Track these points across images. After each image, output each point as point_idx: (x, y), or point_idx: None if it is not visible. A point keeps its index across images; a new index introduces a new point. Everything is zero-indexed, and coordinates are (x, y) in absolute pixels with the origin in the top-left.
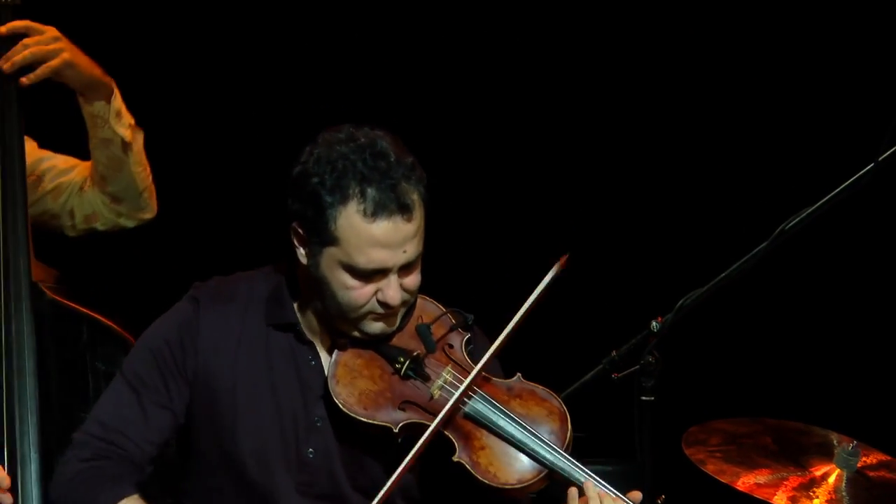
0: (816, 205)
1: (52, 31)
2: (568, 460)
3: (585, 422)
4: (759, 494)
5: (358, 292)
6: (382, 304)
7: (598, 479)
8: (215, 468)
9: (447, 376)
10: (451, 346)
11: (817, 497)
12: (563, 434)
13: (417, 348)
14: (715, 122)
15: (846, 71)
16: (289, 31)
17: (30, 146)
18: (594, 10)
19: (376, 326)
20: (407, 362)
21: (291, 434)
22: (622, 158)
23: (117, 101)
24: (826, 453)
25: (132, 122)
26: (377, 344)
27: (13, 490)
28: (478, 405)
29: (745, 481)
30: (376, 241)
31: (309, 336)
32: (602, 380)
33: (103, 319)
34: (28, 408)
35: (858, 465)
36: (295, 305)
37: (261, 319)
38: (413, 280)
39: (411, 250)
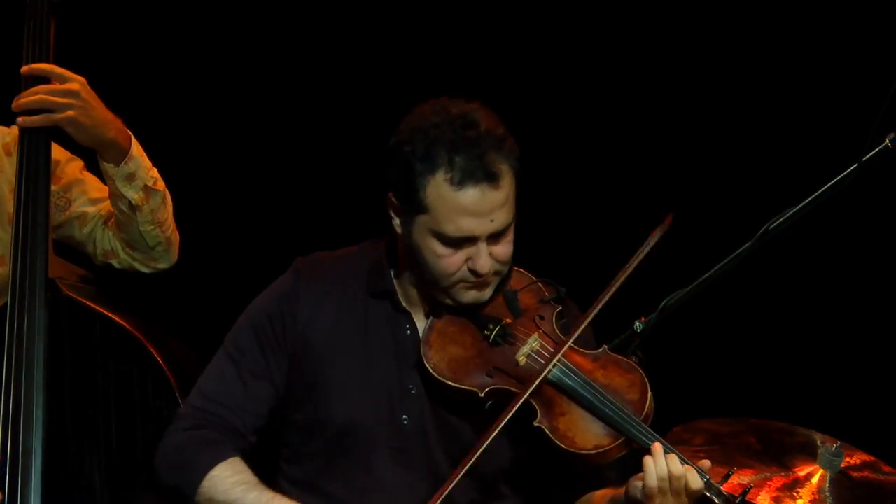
0: (800, 205)
1: (72, 85)
2: (643, 429)
3: None
4: None
5: (448, 260)
6: (473, 272)
7: (669, 445)
8: (310, 434)
9: (534, 344)
10: (541, 318)
11: (801, 497)
12: (641, 405)
13: (509, 317)
14: (698, 123)
15: (830, 71)
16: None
17: (75, 166)
18: (576, 8)
19: (469, 295)
20: (496, 329)
21: (386, 401)
22: (605, 157)
23: (131, 164)
24: (810, 453)
25: (150, 182)
26: (471, 312)
27: (14, 482)
28: (561, 373)
29: (729, 481)
30: (464, 209)
31: (406, 305)
32: None
33: (117, 319)
34: (35, 400)
35: (842, 465)
36: (393, 275)
37: (361, 289)
38: (503, 249)
39: (500, 219)
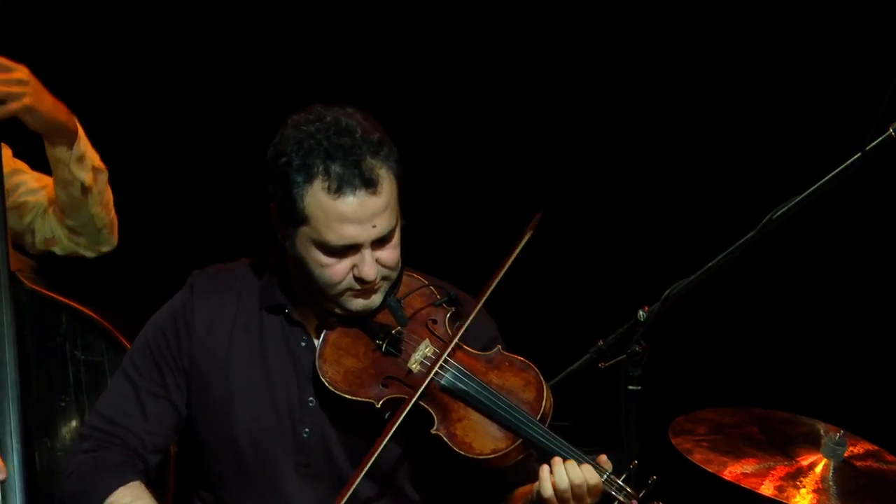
0: (804, 194)
1: (20, 73)
2: (540, 429)
3: (572, 411)
4: (745, 484)
5: (333, 269)
6: (359, 279)
7: (569, 446)
8: (215, 454)
9: (426, 350)
10: (434, 322)
11: (804, 486)
12: (537, 404)
13: (398, 325)
14: (702, 112)
15: (834, 61)
16: (278, 24)
17: (7, 153)
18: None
19: (357, 303)
20: (386, 338)
21: (287, 415)
22: (610, 148)
23: (81, 145)
24: (813, 443)
25: (96, 163)
26: (363, 321)
27: None
28: (454, 377)
29: (732, 471)
30: (344, 217)
31: (299, 318)
32: (589, 369)
33: (83, 309)
34: (9, 397)
35: (845, 454)
36: (285, 287)
37: (255, 303)
38: (389, 254)
39: (381, 225)
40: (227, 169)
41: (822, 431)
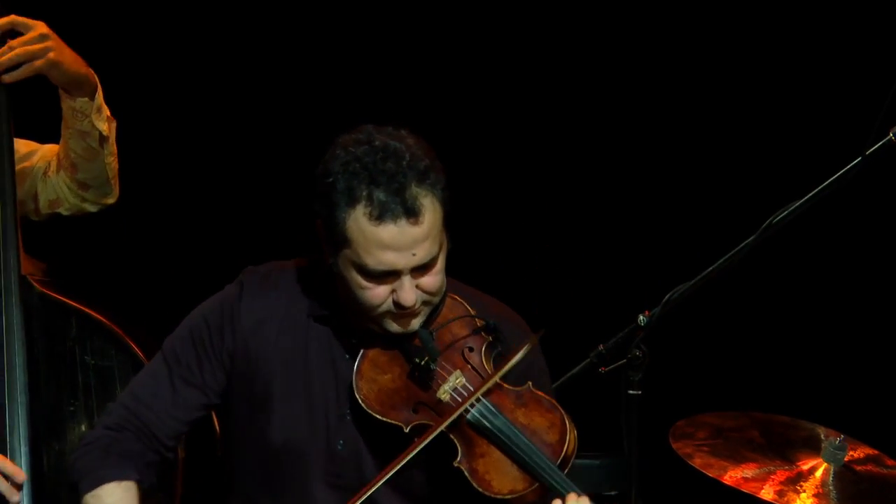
0: (804, 199)
1: (40, 28)
2: (558, 475)
3: (572, 416)
4: (746, 489)
5: (372, 292)
6: (398, 304)
7: (580, 493)
8: (250, 454)
9: (456, 381)
10: (470, 350)
11: (804, 491)
12: (559, 447)
13: (430, 354)
14: (702, 116)
15: (834, 65)
16: (310, 31)
17: None
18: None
19: (395, 326)
20: (421, 363)
21: (323, 426)
22: (610, 153)
23: (100, 96)
24: (813, 447)
25: (108, 113)
26: (404, 343)
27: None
28: (481, 413)
29: (732, 475)
30: (384, 244)
31: (345, 329)
32: (589, 374)
33: (93, 313)
34: (18, 401)
35: (845, 459)
36: (334, 298)
37: (303, 309)
38: (431, 281)
39: (421, 253)
40: (246, 176)
41: (822, 436)
